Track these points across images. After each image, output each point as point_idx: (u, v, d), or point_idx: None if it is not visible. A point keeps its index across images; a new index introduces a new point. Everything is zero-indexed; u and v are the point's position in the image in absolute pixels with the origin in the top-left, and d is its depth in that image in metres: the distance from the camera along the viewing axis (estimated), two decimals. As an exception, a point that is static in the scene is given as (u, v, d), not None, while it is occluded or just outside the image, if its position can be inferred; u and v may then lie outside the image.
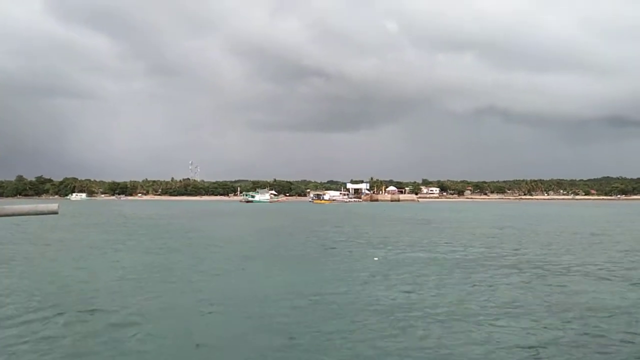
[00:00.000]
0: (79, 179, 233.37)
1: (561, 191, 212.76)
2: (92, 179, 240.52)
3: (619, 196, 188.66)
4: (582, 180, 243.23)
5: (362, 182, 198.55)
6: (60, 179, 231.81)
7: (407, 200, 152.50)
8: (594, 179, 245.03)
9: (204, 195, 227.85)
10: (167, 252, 21.79)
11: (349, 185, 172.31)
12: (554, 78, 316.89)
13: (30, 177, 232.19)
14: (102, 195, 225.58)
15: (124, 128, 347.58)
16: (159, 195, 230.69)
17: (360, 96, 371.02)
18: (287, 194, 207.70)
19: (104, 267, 17.66)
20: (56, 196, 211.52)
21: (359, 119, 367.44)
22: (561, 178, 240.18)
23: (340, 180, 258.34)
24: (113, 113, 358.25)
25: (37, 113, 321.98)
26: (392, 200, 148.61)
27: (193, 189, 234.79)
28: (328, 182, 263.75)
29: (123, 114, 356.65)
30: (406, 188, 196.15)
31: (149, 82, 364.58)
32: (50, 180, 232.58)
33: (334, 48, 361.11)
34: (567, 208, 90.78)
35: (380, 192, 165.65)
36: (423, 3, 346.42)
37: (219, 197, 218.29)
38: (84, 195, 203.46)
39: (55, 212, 4.21)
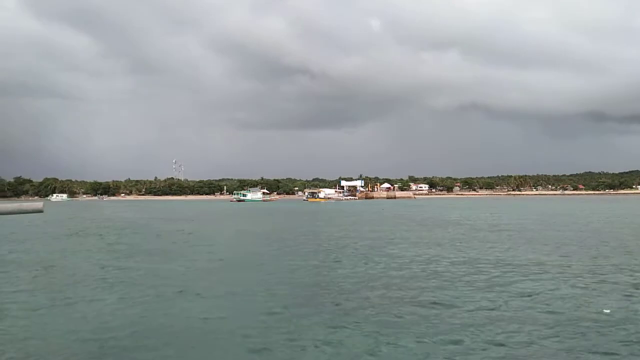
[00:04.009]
0: (60, 179, 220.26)
1: (549, 186, 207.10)
2: (73, 179, 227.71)
3: (607, 191, 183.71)
4: (565, 175, 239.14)
5: (351, 179, 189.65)
6: (40, 180, 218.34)
7: (403, 197, 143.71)
8: (577, 174, 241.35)
9: (189, 194, 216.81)
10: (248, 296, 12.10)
11: (343, 183, 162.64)
12: (536, 74, 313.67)
13: (9, 177, 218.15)
14: (84, 196, 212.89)
15: (106, 127, 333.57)
16: (143, 195, 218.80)
17: (344, 94, 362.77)
18: (276, 193, 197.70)
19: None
20: (36, 197, 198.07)
21: (343, 116, 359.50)
22: (544, 173, 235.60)
23: (326, 177, 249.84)
24: (94, 112, 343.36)
25: (15, 113, 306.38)
26: (387, 198, 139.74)
27: (178, 189, 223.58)
28: (314, 179, 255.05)
29: (104, 113, 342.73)
30: (395, 185, 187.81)
31: (130, 80, 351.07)
32: (29, 181, 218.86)
33: (317, 46, 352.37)
34: (586, 204, 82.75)
35: (375, 189, 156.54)
36: (407, 1, 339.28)
37: (205, 197, 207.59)
38: (64, 196, 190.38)
39: (40, 211, 3.87)
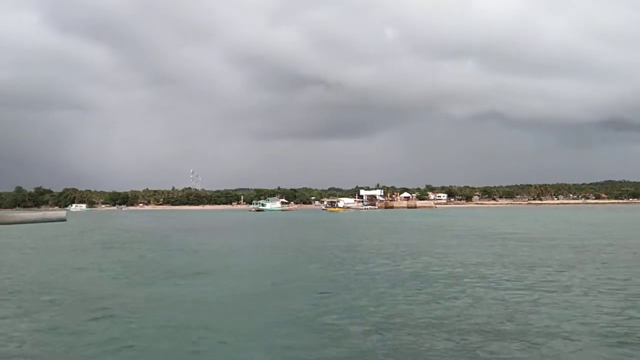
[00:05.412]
0: (79, 189, 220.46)
1: (571, 195, 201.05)
2: (92, 190, 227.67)
3: (631, 199, 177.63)
4: (585, 184, 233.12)
5: (368, 188, 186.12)
6: (60, 190, 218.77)
7: (424, 206, 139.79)
8: (597, 182, 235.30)
9: (206, 204, 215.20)
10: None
11: (363, 192, 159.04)
12: (554, 82, 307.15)
13: (30, 188, 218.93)
14: (103, 206, 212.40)
15: (124, 138, 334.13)
16: (161, 205, 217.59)
17: (359, 103, 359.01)
18: (293, 202, 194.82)
19: None
20: (56, 207, 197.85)
21: (359, 126, 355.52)
22: (563, 182, 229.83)
23: (342, 187, 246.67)
24: (112, 123, 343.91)
25: (36, 124, 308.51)
26: (408, 207, 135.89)
27: (195, 198, 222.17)
28: (330, 189, 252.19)
29: (122, 125, 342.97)
30: (413, 194, 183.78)
31: (148, 92, 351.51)
32: (49, 191, 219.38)
33: (332, 56, 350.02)
34: (621, 214, 78.57)
35: (395, 198, 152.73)
36: (422, 10, 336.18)
37: (222, 206, 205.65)
38: (84, 206, 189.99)
39: (63, 220, 3.86)
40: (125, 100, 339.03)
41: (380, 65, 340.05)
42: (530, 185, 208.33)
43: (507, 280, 14.57)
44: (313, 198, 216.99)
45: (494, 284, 13.95)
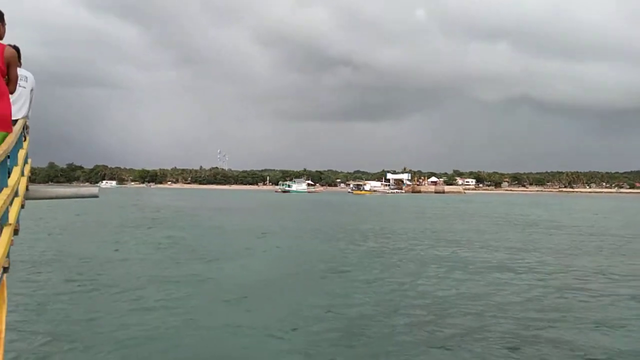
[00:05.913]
0: (110, 166, 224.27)
1: (603, 184, 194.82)
2: (122, 167, 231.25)
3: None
4: (618, 172, 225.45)
5: (394, 172, 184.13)
6: (91, 167, 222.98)
7: (453, 192, 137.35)
8: (632, 171, 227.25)
9: (232, 184, 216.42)
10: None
11: (390, 176, 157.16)
12: (589, 66, 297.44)
13: (62, 164, 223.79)
14: (132, 183, 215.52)
15: (153, 117, 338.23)
16: (188, 183, 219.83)
17: (387, 85, 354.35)
18: (319, 184, 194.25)
19: None
20: (87, 183, 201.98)
21: (386, 108, 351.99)
22: (596, 170, 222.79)
23: (368, 170, 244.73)
24: (143, 102, 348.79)
25: (68, 102, 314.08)
26: (436, 192, 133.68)
27: (222, 178, 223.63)
28: (355, 172, 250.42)
29: (152, 104, 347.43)
30: (441, 179, 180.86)
31: (178, 72, 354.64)
32: (81, 168, 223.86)
33: (361, 36, 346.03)
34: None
35: (422, 183, 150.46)
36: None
37: (248, 186, 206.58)
38: (114, 182, 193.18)
39: (96, 196, 4.18)
40: (155, 80, 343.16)
41: (409, 46, 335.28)
42: (561, 173, 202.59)
43: (573, 277, 13.34)
44: (339, 180, 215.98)
45: (566, 284, 12.74)
